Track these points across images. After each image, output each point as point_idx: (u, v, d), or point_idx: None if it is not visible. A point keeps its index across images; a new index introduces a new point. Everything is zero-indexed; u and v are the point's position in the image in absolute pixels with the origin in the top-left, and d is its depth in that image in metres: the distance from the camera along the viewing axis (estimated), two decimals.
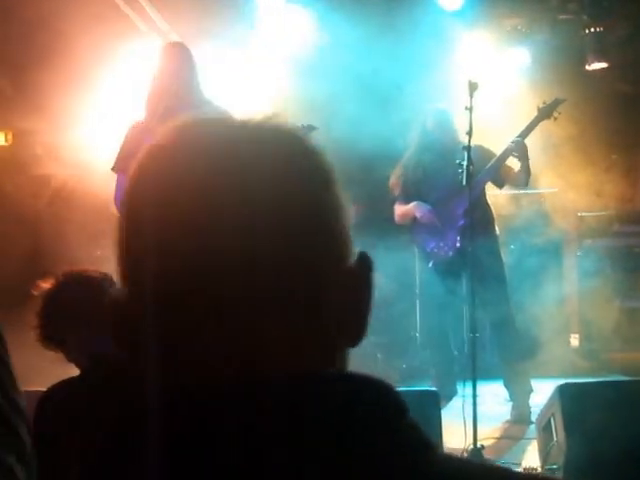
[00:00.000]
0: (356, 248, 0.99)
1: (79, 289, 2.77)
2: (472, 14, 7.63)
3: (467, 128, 5.18)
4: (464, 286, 5.93)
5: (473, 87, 5.18)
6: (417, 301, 7.80)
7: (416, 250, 7.48)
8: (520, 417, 5.87)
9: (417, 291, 7.76)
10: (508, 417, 5.96)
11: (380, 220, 7.51)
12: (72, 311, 2.74)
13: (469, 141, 5.17)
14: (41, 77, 6.78)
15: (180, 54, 5.33)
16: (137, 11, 7.36)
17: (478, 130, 5.30)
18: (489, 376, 6.15)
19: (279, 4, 7.58)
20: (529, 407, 5.91)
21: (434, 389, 4.48)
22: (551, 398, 4.65)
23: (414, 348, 7.65)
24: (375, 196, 7.35)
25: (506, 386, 6.11)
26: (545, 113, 5.96)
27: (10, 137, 7.80)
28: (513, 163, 6.03)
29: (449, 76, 7.30)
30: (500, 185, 6.23)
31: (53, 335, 2.78)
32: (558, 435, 4.47)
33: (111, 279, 2.87)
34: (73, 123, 7.09)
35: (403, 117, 6.75)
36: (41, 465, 2.42)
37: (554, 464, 4.37)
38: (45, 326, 2.78)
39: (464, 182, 5.17)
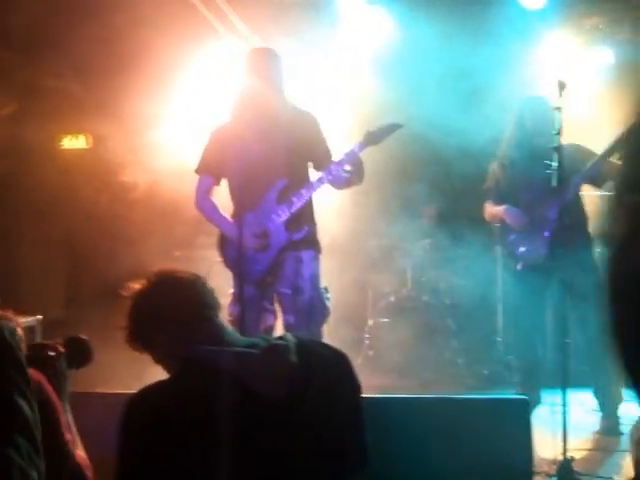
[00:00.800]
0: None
1: (171, 289, 2.71)
2: (554, 13, 7.45)
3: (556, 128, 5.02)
4: (553, 291, 5.73)
5: (562, 86, 5.01)
6: (498, 305, 7.63)
7: (499, 252, 7.34)
8: (609, 429, 5.67)
9: (499, 294, 7.60)
10: (596, 428, 5.76)
11: (459, 220, 7.40)
12: (163, 311, 2.67)
13: (559, 141, 5.00)
14: (119, 81, 6.79)
15: (269, 60, 5.33)
16: (214, 12, 7.32)
17: (566, 130, 5.14)
18: (573, 383, 5.90)
19: (360, 4, 7.51)
20: (618, 418, 5.70)
21: (524, 397, 4.31)
22: None
23: (496, 354, 7.49)
24: (455, 194, 7.24)
25: (596, 396, 5.88)
26: None
27: (90, 140, 7.84)
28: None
29: (532, 75, 7.14)
30: (600, 184, 5.86)
31: (142, 336, 2.72)
32: None
33: (203, 279, 2.81)
34: (150, 127, 7.08)
35: (485, 115, 6.62)
36: (134, 465, 2.38)
37: None
38: (135, 326, 2.71)
39: (554, 183, 5.00)
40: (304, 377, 2.48)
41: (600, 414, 5.81)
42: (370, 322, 7.86)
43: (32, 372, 2.04)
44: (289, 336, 2.62)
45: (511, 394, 4.51)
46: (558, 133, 5.00)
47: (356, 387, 2.64)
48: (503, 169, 6.09)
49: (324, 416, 2.49)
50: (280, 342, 2.56)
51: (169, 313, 2.65)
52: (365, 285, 8.11)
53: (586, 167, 5.64)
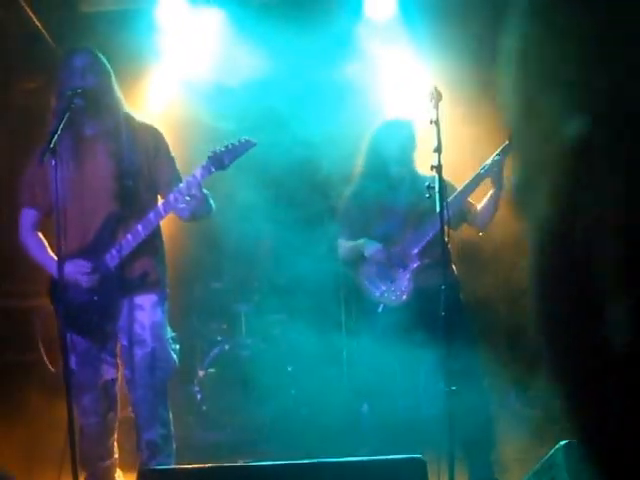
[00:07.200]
0: None
1: None
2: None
3: (434, 145, 4.40)
4: (419, 336, 5.06)
5: (437, 96, 4.43)
6: (343, 351, 7.00)
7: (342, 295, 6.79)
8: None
9: (344, 340, 6.96)
10: None
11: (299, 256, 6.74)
12: None
13: (439, 159, 4.39)
14: None
15: (94, 62, 4.49)
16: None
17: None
18: None
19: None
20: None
21: (420, 456, 3.68)
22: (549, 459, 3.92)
23: (343, 401, 6.81)
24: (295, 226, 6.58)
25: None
26: None
27: None
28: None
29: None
30: (456, 225, 5.15)
31: None
32: None
33: None
34: None
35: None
36: None
37: None
38: None
39: (437, 209, 4.36)
40: None
41: None
42: (201, 373, 7.03)
43: None
44: None
45: (405, 455, 3.88)
46: (437, 150, 4.39)
47: None
48: (356, 202, 5.45)
49: None
50: None
51: None
52: (194, 333, 7.31)
53: (453, 196, 5.08)
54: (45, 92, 4.67)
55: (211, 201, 4.54)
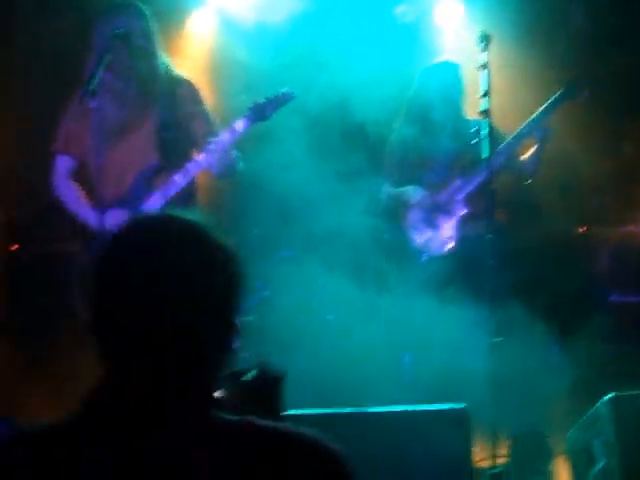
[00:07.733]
0: None
1: None
2: None
3: (482, 90, 4.31)
4: (462, 286, 4.96)
5: (487, 39, 4.33)
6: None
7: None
8: None
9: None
10: None
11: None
12: None
13: (488, 103, 4.28)
14: None
15: (136, 18, 4.44)
16: None
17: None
18: None
19: None
20: None
21: (464, 406, 3.64)
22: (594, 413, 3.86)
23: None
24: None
25: None
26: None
27: None
28: None
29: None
30: (504, 171, 5.11)
31: None
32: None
33: None
34: None
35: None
36: None
37: None
38: None
39: (484, 154, 4.27)
40: None
41: None
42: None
43: None
44: None
45: (449, 404, 3.86)
46: (485, 94, 4.29)
47: None
48: (397, 149, 5.38)
49: None
50: None
51: None
52: None
53: (503, 144, 4.99)
54: (75, 32, 4.59)
55: (240, 162, 4.55)
